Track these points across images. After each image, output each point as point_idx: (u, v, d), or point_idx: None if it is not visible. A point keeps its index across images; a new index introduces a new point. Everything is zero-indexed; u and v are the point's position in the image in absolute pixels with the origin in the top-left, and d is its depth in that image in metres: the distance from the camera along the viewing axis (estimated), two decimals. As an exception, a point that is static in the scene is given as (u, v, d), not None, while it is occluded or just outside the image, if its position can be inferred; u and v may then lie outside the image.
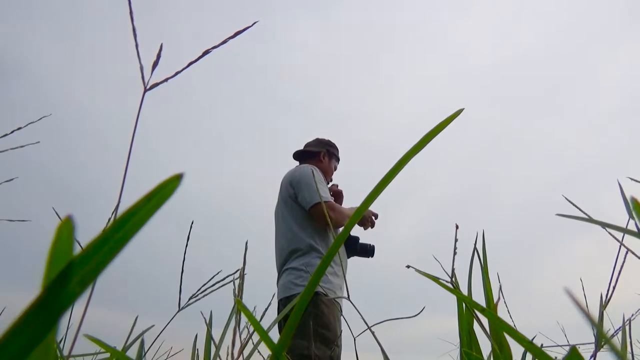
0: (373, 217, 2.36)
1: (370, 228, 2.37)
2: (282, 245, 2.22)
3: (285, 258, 2.17)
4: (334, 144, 2.51)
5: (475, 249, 0.67)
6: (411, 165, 0.32)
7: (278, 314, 2.11)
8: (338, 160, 2.51)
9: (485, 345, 0.61)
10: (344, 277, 1.31)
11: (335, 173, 2.52)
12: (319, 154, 2.44)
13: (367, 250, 2.32)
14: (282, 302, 2.09)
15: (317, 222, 2.16)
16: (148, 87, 0.43)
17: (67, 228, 0.23)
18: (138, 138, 0.43)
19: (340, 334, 2.04)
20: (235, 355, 0.64)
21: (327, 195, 2.20)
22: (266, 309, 0.84)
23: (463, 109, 0.34)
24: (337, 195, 2.44)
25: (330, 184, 2.48)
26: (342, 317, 2.15)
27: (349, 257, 2.37)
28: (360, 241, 2.35)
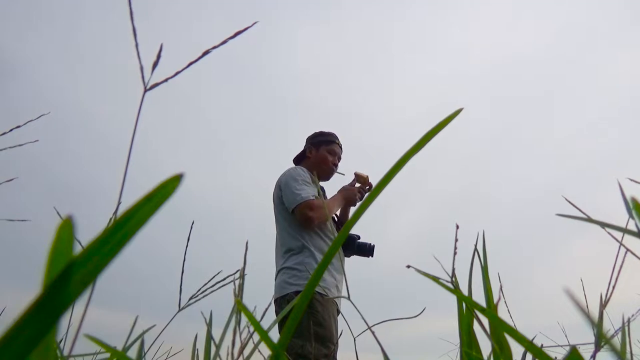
0: (360, 191, 2.35)
1: (363, 194, 2.36)
2: (278, 246, 2.26)
3: (281, 258, 2.18)
4: (320, 133, 2.47)
5: (475, 248, 0.67)
6: (411, 165, 0.32)
7: (275, 314, 2.12)
8: (330, 142, 2.42)
9: (485, 345, 0.61)
10: (344, 275, 1.30)
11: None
12: (305, 152, 2.46)
13: (366, 250, 2.30)
14: (277, 302, 2.10)
15: (302, 224, 2.15)
16: (148, 87, 0.43)
17: (67, 228, 0.23)
18: (138, 138, 0.43)
19: (339, 333, 2.03)
20: (235, 355, 0.64)
21: (307, 195, 2.13)
22: (266, 309, 0.84)
23: (462, 108, 0.34)
24: (362, 181, 2.40)
25: (337, 169, 2.44)
26: (340, 316, 2.15)
27: (348, 257, 2.35)
28: (360, 240, 2.33)
